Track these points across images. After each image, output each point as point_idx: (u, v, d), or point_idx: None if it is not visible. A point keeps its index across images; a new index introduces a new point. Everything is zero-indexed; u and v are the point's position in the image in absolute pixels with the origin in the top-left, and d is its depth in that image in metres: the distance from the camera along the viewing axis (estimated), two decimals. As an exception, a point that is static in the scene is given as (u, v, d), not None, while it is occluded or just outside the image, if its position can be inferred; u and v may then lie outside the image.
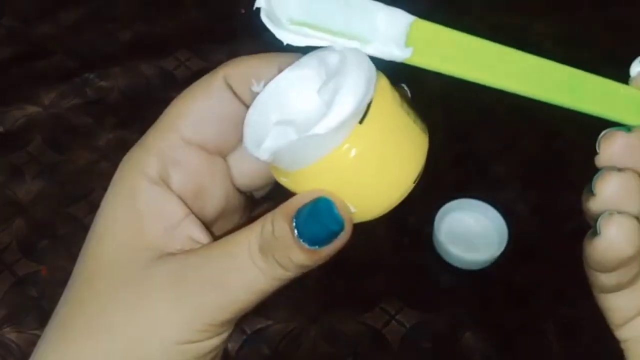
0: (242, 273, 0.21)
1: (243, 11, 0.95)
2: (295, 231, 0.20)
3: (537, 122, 0.87)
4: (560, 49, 0.92)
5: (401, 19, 0.22)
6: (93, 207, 0.74)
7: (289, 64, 0.23)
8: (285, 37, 0.21)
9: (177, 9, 0.96)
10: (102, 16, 0.94)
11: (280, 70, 0.23)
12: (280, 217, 0.21)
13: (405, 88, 0.23)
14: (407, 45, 0.21)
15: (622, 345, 0.23)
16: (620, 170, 0.22)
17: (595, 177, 0.22)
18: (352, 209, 0.21)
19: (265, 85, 0.23)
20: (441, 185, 0.79)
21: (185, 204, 0.23)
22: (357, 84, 0.20)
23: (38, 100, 0.83)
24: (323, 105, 0.21)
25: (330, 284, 0.70)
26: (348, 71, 0.20)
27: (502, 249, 0.71)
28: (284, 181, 0.22)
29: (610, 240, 0.21)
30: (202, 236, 0.23)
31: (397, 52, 0.21)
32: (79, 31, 0.92)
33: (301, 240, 0.20)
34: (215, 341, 0.22)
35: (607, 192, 0.22)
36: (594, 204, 0.22)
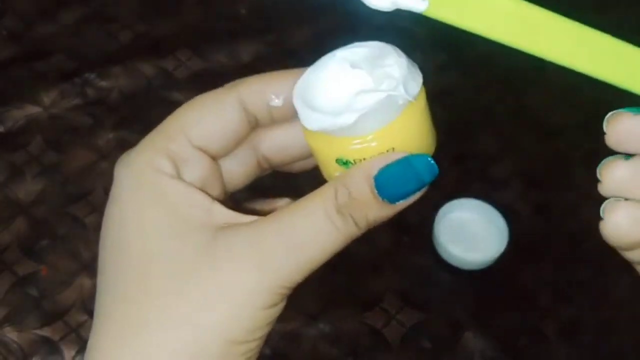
0: (320, 234, 0.23)
1: (243, 11, 0.96)
2: (376, 190, 0.22)
3: (537, 122, 0.87)
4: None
5: None
6: (93, 207, 0.74)
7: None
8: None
9: (177, 9, 0.96)
10: (102, 16, 0.94)
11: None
12: (359, 180, 0.23)
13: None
14: None
15: None
16: (628, 156, 0.22)
17: (601, 163, 0.22)
18: None
19: (284, 100, 0.26)
20: (441, 185, 0.79)
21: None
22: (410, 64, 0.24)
23: (38, 100, 0.83)
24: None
25: (330, 284, 0.70)
26: (397, 55, 0.24)
27: (502, 249, 0.71)
28: (353, 149, 0.24)
29: (612, 226, 0.22)
30: (238, 214, 0.24)
31: (413, 4, 0.22)
32: (79, 31, 0.92)
33: (382, 197, 0.22)
34: (284, 304, 0.23)
35: (610, 180, 0.22)
36: (601, 190, 0.23)
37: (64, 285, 0.68)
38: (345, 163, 0.24)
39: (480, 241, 0.73)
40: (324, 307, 0.68)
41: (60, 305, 0.67)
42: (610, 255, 0.85)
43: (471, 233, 0.74)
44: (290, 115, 0.26)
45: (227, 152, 0.26)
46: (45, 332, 0.64)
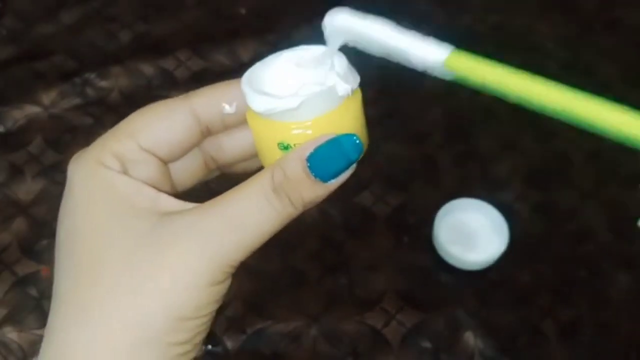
0: (258, 213, 0.24)
1: (243, 11, 0.96)
2: (309, 170, 0.24)
3: (537, 122, 0.87)
4: (560, 50, 0.92)
5: (438, 52, 0.25)
6: (93, 207, 0.74)
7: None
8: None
9: (177, 9, 0.96)
10: (102, 16, 0.94)
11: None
12: (293, 160, 0.24)
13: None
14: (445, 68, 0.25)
15: None
16: None
17: None
18: None
19: (236, 107, 0.28)
20: (441, 185, 0.79)
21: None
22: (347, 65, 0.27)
23: (38, 100, 0.83)
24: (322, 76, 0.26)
25: (330, 284, 0.70)
26: (339, 57, 0.27)
27: (502, 249, 0.71)
28: (293, 133, 0.26)
29: None
30: (185, 202, 0.26)
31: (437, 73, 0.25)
32: (79, 31, 0.92)
33: (314, 177, 0.24)
34: (229, 282, 0.25)
35: None
36: None
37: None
38: (286, 147, 0.26)
39: (480, 241, 0.73)
40: (324, 307, 0.68)
41: (60, 305, 0.66)
42: (609, 256, 0.86)
43: (471, 233, 0.74)
44: (242, 121, 0.28)
45: (177, 157, 0.28)
46: (45, 332, 0.64)
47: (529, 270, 0.73)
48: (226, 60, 0.89)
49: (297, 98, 0.25)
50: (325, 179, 0.24)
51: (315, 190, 0.24)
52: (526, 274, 0.73)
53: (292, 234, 0.72)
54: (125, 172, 0.25)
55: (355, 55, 0.27)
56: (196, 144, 0.28)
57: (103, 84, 0.86)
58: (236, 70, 0.88)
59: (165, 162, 0.27)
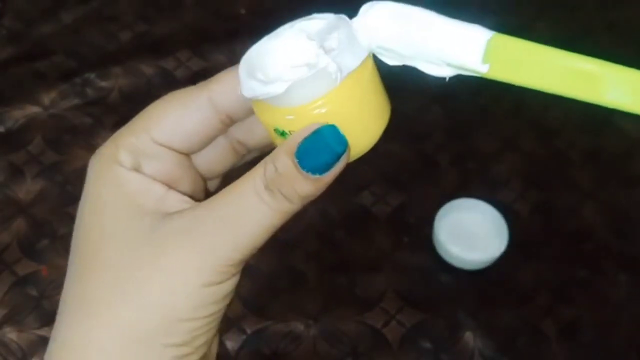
0: (251, 211, 0.23)
1: (243, 11, 0.96)
2: (298, 164, 0.23)
3: (537, 122, 0.87)
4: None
5: (479, 35, 0.23)
6: (93, 207, 0.74)
7: None
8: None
9: (177, 9, 0.96)
10: (102, 16, 0.94)
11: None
12: (282, 155, 0.23)
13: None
14: (484, 60, 0.23)
15: None
16: None
17: None
18: None
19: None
20: (441, 185, 0.79)
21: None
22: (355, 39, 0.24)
23: (38, 100, 0.83)
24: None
25: (330, 284, 0.70)
26: (346, 27, 0.24)
27: (502, 249, 0.71)
28: (287, 119, 0.24)
29: None
30: (193, 201, 0.25)
31: (474, 68, 0.23)
32: (79, 31, 0.92)
33: (305, 171, 0.23)
34: (231, 283, 0.24)
35: None
36: None
37: (64, 285, 0.68)
38: (282, 134, 0.24)
39: (480, 241, 0.73)
40: (323, 307, 0.68)
41: (60, 305, 0.67)
42: (609, 256, 0.86)
43: (471, 233, 0.74)
44: None
45: (197, 147, 0.27)
46: (45, 332, 0.64)
47: (529, 270, 0.73)
48: (226, 60, 0.89)
49: (283, 83, 0.23)
50: (315, 172, 0.23)
51: (308, 185, 0.23)
52: (526, 274, 0.73)
53: (292, 234, 0.73)
54: (138, 167, 0.25)
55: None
56: (218, 133, 0.27)
57: (103, 84, 0.86)
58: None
59: (185, 154, 0.27)
